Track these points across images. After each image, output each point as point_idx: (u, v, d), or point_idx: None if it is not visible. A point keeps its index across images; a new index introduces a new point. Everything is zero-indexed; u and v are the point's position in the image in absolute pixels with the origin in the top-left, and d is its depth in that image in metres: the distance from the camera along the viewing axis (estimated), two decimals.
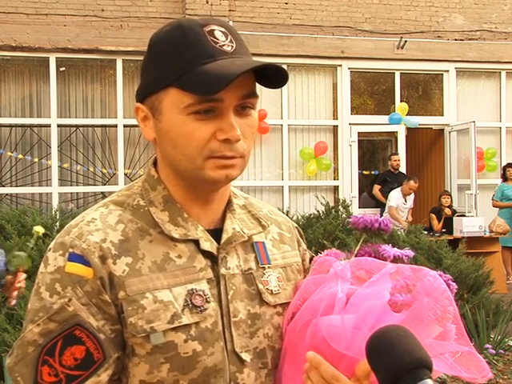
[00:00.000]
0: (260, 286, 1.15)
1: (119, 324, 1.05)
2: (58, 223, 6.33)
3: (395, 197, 9.33)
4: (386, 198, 9.52)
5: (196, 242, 1.12)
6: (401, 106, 10.22)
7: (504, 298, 6.25)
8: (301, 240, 1.31)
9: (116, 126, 9.15)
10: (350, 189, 9.92)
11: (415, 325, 0.99)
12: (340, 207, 6.99)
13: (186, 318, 1.06)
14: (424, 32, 10.10)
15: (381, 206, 9.82)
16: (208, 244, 1.12)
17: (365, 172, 11.99)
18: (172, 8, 9.14)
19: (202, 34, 1.06)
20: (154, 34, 1.12)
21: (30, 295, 1.08)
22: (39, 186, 9.04)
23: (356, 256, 1.17)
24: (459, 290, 5.55)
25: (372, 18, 9.91)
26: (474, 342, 5.39)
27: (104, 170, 9.33)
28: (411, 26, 10.05)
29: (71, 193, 9.34)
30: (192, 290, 1.08)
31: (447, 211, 9.61)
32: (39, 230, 3.39)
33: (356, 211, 9.32)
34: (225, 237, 1.14)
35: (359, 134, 10.13)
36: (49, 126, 8.95)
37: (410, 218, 9.64)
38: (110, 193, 1.24)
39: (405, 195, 9.40)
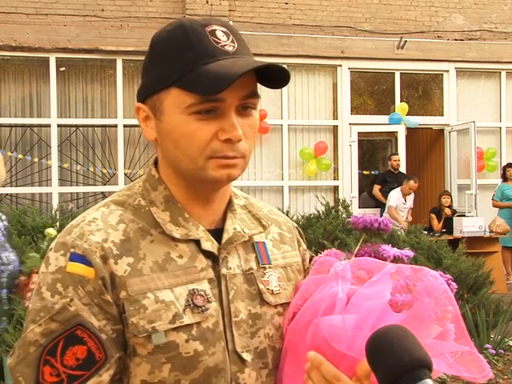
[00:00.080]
0: (261, 286, 1.15)
1: (121, 324, 1.05)
2: (58, 223, 6.34)
3: (395, 197, 9.33)
4: (386, 197, 9.52)
5: (197, 242, 1.12)
6: (401, 106, 10.22)
7: (504, 298, 6.25)
8: (301, 240, 1.31)
9: (116, 126, 9.15)
10: (350, 189, 9.92)
11: (416, 325, 0.99)
12: (340, 207, 7.00)
13: (188, 318, 1.06)
14: (424, 32, 10.10)
15: (381, 206, 9.82)
16: (209, 244, 1.12)
17: (365, 172, 11.98)
18: (172, 8, 9.14)
19: (203, 34, 1.06)
20: (156, 33, 1.12)
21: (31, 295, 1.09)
22: (39, 185, 9.04)
23: (356, 256, 1.17)
24: (459, 290, 5.55)
25: (372, 17, 9.91)
26: (474, 341, 5.38)
27: (104, 170, 9.33)
28: (411, 26, 10.05)
29: (71, 193, 9.34)
30: (193, 289, 1.08)
31: (447, 211, 9.61)
32: (51, 231, 3.41)
33: (356, 211, 9.32)
34: (226, 237, 1.14)
35: (359, 134, 10.14)
36: (49, 126, 8.95)
37: (410, 218, 9.64)
38: (110, 193, 1.25)
39: (404, 195, 9.40)
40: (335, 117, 10.03)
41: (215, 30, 1.07)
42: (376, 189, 10.07)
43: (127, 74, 9.29)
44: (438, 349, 1.00)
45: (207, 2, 9.11)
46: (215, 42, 1.06)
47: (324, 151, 9.76)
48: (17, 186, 8.93)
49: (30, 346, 1.03)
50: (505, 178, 9.92)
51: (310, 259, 1.28)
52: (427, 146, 11.71)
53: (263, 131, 9.21)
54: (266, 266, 1.18)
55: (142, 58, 1.15)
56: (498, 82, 10.70)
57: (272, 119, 9.46)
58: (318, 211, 6.89)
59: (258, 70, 1.05)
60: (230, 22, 8.44)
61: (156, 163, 1.18)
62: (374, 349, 0.89)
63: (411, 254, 1.20)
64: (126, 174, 9.24)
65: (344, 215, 6.79)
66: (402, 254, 1.19)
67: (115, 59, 9.08)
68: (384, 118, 10.25)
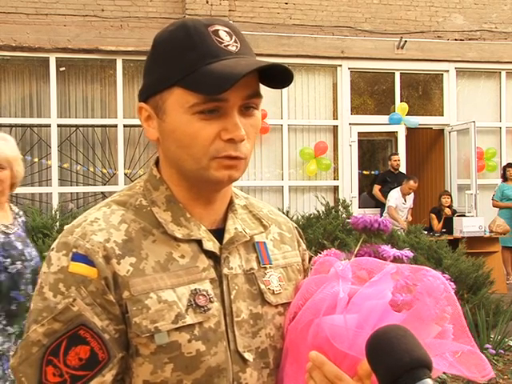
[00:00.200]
0: (262, 286, 1.16)
1: (123, 324, 1.05)
2: (57, 223, 6.34)
3: (394, 196, 9.33)
4: (386, 198, 9.52)
5: (199, 242, 1.12)
6: (401, 106, 10.22)
7: (504, 298, 6.25)
8: (300, 240, 1.31)
9: (116, 126, 9.15)
10: (350, 189, 9.92)
11: (416, 325, 1.00)
12: (340, 207, 7.00)
13: (190, 318, 1.06)
14: (424, 32, 10.10)
15: (381, 206, 9.82)
16: (211, 244, 1.12)
17: (365, 172, 11.99)
18: (172, 8, 9.14)
19: (206, 33, 1.06)
20: (158, 33, 1.12)
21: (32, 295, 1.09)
22: (39, 186, 9.04)
23: (356, 256, 1.18)
24: (459, 290, 5.56)
25: (372, 17, 9.92)
26: (474, 341, 5.38)
27: (104, 170, 9.33)
28: (411, 26, 10.05)
29: (71, 193, 9.34)
30: (195, 289, 1.08)
31: (447, 211, 9.61)
32: None
33: (356, 211, 9.31)
34: (227, 237, 1.14)
35: (359, 134, 10.14)
36: (49, 126, 8.95)
37: (410, 218, 9.65)
38: (110, 193, 1.25)
39: (404, 195, 9.40)
40: (335, 117, 10.03)
41: (218, 29, 1.07)
42: (376, 189, 10.07)
43: (127, 73, 9.29)
44: (438, 348, 1.01)
45: (207, 2, 9.11)
46: (218, 42, 1.06)
47: (324, 151, 9.76)
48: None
49: (32, 346, 1.03)
50: (505, 178, 9.92)
51: (310, 259, 1.29)
52: (427, 146, 11.71)
53: (263, 131, 9.20)
54: (267, 265, 1.19)
55: (142, 57, 1.15)
56: (498, 82, 10.70)
57: (272, 119, 9.46)
58: (318, 211, 6.89)
59: (261, 69, 1.05)
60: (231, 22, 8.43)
61: (157, 163, 1.18)
62: (373, 349, 0.90)
63: (411, 254, 1.20)
64: (126, 174, 9.24)
65: (344, 215, 6.79)
66: (402, 255, 1.19)
67: (115, 59, 9.08)
68: (384, 118, 10.26)
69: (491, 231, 9.40)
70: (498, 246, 9.28)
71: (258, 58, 1.09)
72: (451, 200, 9.83)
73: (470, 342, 1.06)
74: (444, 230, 9.34)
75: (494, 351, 5.47)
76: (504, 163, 10.20)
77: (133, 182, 1.20)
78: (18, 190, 9.78)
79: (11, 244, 2.81)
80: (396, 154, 10.14)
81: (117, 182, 9.12)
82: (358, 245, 1.21)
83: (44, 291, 1.05)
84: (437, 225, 9.60)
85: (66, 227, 1.12)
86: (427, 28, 10.13)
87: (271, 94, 9.20)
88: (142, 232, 1.10)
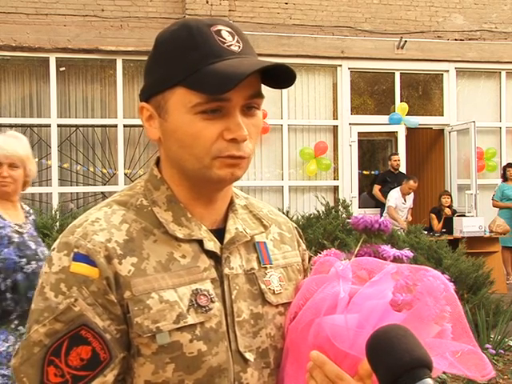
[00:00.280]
0: (262, 286, 1.16)
1: (125, 324, 1.05)
2: (57, 223, 6.34)
3: (394, 196, 9.33)
4: (386, 197, 9.52)
5: (200, 242, 1.12)
6: (401, 106, 10.22)
7: (504, 298, 6.25)
8: (300, 240, 1.32)
9: (116, 126, 9.15)
10: (350, 189, 9.92)
11: (417, 324, 1.00)
12: (340, 207, 7.00)
13: (192, 318, 1.06)
14: (424, 32, 10.10)
15: (381, 206, 9.82)
16: (212, 244, 1.12)
17: (365, 172, 11.99)
18: (172, 8, 9.14)
19: (209, 33, 1.06)
20: (160, 33, 1.12)
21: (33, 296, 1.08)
22: (39, 186, 9.03)
23: (356, 256, 1.18)
24: (459, 290, 5.56)
25: (372, 17, 9.92)
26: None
27: (104, 170, 9.33)
28: (411, 26, 10.06)
29: (71, 193, 9.34)
30: (197, 289, 1.08)
31: (447, 211, 9.61)
32: None
33: (356, 211, 9.32)
34: (228, 237, 1.15)
35: (359, 134, 10.14)
36: (49, 126, 8.95)
37: (410, 218, 9.65)
38: (110, 193, 1.25)
39: (404, 195, 9.40)
40: (335, 117, 10.03)
41: (221, 29, 1.07)
42: (376, 189, 10.07)
43: (127, 74, 9.29)
44: (438, 348, 1.01)
45: (207, 2, 9.11)
46: (221, 42, 1.06)
47: (324, 151, 9.76)
48: None
49: (34, 346, 1.03)
50: (505, 178, 9.92)
51: (310, 259, 1.29)
52: (427, 146, 11.72)
53: (263, 131, 9.20)
54: (267, 265, 1.19)
55: (142, 57, 1.16)
56: (498, 82, 10.70)
57: (272, 119, 9.46)
58: (317, 211, 6.89)
59: (264, 69, 1.04)
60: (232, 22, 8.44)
61: (158, 163, 1.18)
62: (374, 348, 0.90)
63: (411, 254, 1.21)
64: (126, 174, 9.24)
65: (344, 215, 6.79)
66: (402, 255, 1.19)
67: (115, 59, 9.08)
68: (384, 118, 10.26)
69: (491, 231, 9.40)
70: (498, 246, 9.28)
71: (259, 58, 1.10)
72: (451, 200, 9.83)
73: (472, 342, 1.06)
74: (444, 230, 9.34)
75: (493, 351, 5.47)
76: (504, 163, 10.20)
77: (133, 182, 1.20)
78: None
79: (25, 244, 2.81)
80: (396, 154, 10.14)
81: (117, 182, 9.12)
82: (358, 245, 1.21)
83: (45, 291, 1.05)
84: (437, 225, 9.60)
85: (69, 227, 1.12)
86: (427, 28, 10.13)
87: (271, 94, 9.20)
88: (143, 232, 1.10)
